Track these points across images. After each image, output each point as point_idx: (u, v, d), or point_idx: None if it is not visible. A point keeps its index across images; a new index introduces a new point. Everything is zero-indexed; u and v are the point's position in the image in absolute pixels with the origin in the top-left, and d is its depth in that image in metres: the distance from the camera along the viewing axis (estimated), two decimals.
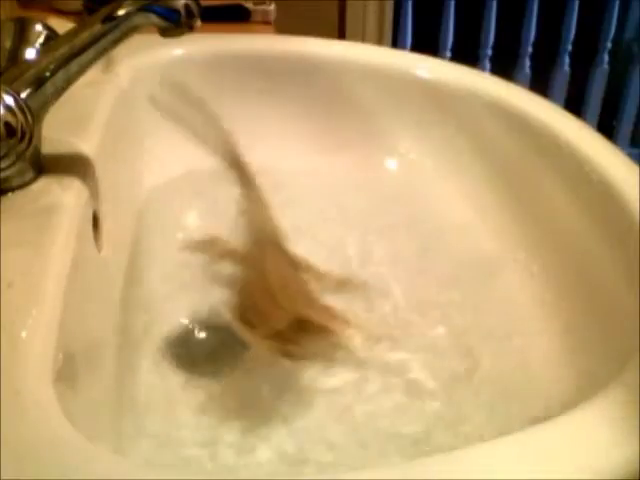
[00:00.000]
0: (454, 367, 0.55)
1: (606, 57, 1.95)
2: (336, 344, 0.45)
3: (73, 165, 0.53)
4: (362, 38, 1.74)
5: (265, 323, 0.48)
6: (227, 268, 0.56)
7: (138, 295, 0.59)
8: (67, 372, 0.41)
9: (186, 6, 0.48)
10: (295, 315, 0.46)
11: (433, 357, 0.56)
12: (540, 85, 1.81)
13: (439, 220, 0.69)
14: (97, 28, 0.49)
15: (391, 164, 0.75)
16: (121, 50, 0.51)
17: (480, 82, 0.71)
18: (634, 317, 0.45)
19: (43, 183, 0.50)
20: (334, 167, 0.74)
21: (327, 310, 0.45)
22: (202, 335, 0.57)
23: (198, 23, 0.49)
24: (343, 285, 0.57)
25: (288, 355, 0.48)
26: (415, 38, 1.86)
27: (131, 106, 0.69)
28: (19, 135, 0.47)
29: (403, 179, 0.74)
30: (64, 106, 0.51)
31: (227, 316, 0.52)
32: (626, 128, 2.04)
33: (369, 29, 1.74)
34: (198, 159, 0.74)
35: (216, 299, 0.56)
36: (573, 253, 0.57)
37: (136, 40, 0.51)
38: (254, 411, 0.51)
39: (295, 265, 0.56)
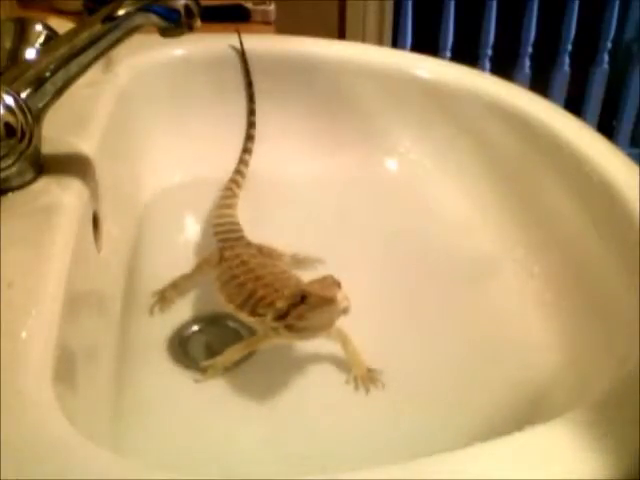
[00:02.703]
0: (454, 367, 0.55)
1: (606, 57, 1.95)
2: (337, 312, 0.47)
3: (73, 165, 0.53)
4: (362, 38, 1.74)
5: (271, 309, 0.50)
6: (215, 271, 0.58)
7: (138, 295, 0.59)
8: (67, 372, 0.41)
9: (186, 6, 0.48)
10: (295, 293, 0.48)
11: (433, 358, 0.56)
12: (540, 85, 1.81)
13: (439, 220, 0.69)
14: (97, 28, 0.49)
15: (391, 164, 0.75)
16: (121, 50, 0.51)
17: (480, 82, 0.71)
18: (634, 317, 0.45)
19: (43, 183, 0.50)
20: (334, 167, 0.74)
21: (322, 281, 0.47)
22: (202, 334, 0.57)
23: (198, 23, 0.49)
24: (299, 262, 0.62)
25: (292, 330, 0.49)
26: (415, 38, 1.86)
27: (131, 106, 0.69)
28: (19, 135, 0.47)
29: (403, 179, 0.74)
30: (64, 106, 0.51)
31: (239, 316, 0.54)
32: (626, 128, 2.04)
33: (369, 29, 1.74)
34: (198, 158, 0.74)
35: (215, 298, 0.56)
36: (573, 253, 0.57)
37: (136, 40, 0.51)
38: (257, 408, 0.51)
39: (263, 252, 0.60)
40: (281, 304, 0.49)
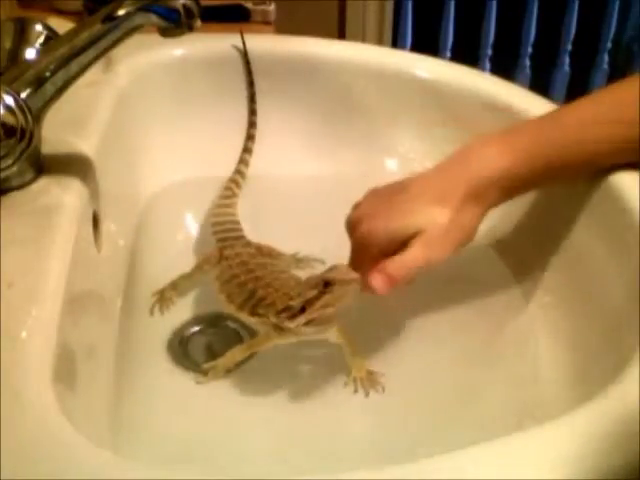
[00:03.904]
0: (454, 370, 0.55)
1: (606, 57, 1.95)
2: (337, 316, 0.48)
3: (73, 165, 0.53)
4: (362, 38, 1.74)
5: (272, 310, 0.50)
6: (215, 271, 0.58)
7: (138, 295, 0.59)
8: (67, 372, 0.41)
9: (186, 6, 0.48)
10: (317, 283, 0.48)
11: (434, 361, 0.56)
12: (540, 85, 1.81)
13: None
14: (97, 28, 0.49)
15: (391, 164, 0.75)
16: (121, 50, 0.51)
17: (480, 82, 0.71)
18: (634, 318, 0.45)
19: (43, 183, 0.50)
20: (334, 167, 0.74)
21: (336, 268, 0.48)
22: (202, 335, 0.57)
23: (198, 23, 0.49)
24: (299, 261, 0.63)
25: (313, 323, 0.49)
26: (415, 38, 1.86)
27: (131, 106, 0.69)
28: (19, 135, 0.47)
29: None
30: (64, 106, 0.51)
31: (239, 316, 0.54)
32: None
33: (369, 29, 1.74)
34: (198, 158, 0.74)
35: (215, 298, 0.56)
36: (572, 254, 0.57)
37: (136, 40, 0.51)
38: (257, 409, 0.51)
39: (262, 251, 0.60)
40: (293, 302, 0.48)
